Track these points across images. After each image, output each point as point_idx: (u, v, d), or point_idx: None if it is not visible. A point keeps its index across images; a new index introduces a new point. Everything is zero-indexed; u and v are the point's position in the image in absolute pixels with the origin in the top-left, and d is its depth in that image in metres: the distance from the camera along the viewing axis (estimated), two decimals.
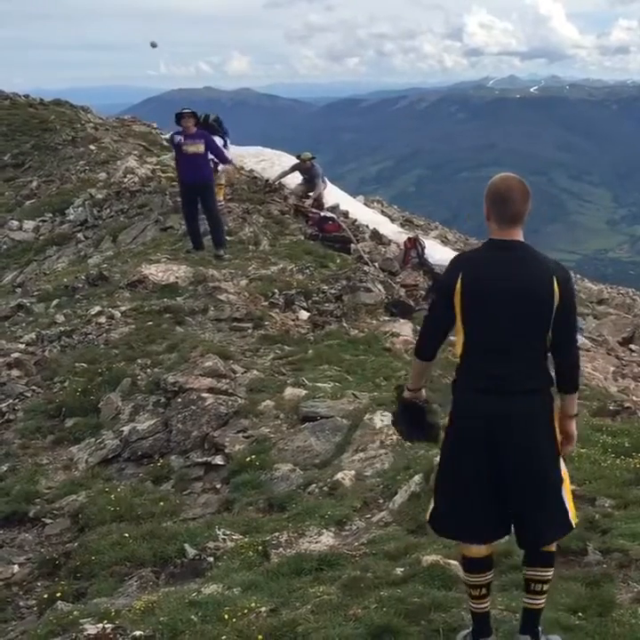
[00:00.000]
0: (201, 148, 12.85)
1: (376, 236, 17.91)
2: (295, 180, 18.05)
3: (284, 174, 18.13)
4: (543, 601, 3.55)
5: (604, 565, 4.44)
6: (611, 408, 8.20)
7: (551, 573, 3.56)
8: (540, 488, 3.44)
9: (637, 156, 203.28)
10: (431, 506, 3.66)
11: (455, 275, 3.45)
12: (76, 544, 6.30)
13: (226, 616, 4.22)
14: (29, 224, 18.65)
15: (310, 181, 17.30)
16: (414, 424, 3.88)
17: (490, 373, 3.41)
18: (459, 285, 3.42)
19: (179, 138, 12.98)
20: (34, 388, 9.37)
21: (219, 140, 14.35)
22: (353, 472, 6.58)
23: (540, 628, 3.57)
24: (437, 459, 3.69)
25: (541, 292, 3.38)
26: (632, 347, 15.90)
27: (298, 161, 17.57)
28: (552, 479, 3.47)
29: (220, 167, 13.35)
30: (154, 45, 5.54)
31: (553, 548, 3.57)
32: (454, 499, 3.52)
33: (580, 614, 3.89)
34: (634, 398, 10.43)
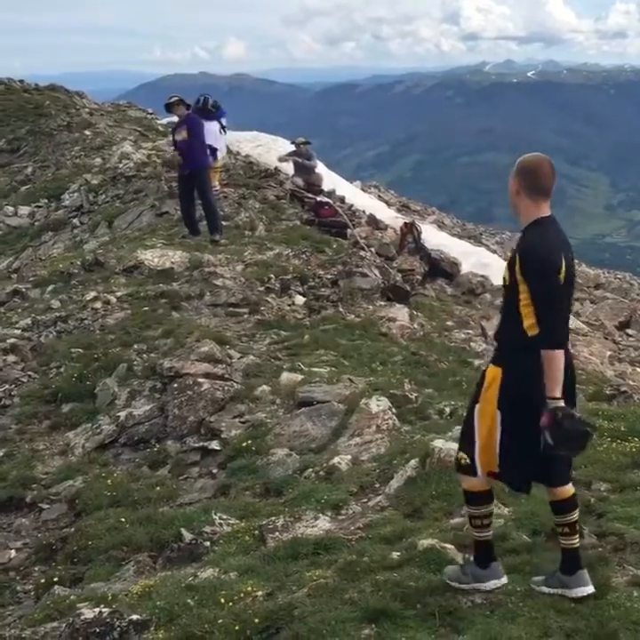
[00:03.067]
0: (184, 134, 12.88)
1: (372, 222, 17.88)
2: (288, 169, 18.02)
3: (285, 160, 18.04)
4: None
5: (600, 549, 4.44)
6: (607, 392, 8.20)
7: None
8: None
9: (635, 141, 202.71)
10: (497, 463, 3.85)
11: (560, 256, 3.75)
12: (72, 529, 6.32)
13: (222, 600, 4.23)
14: (25, 210, 18.60)
15: (308, 166, 17.22)
16: (573, 437, 3.67)
17: (564, 333, 3.78)
18: (563, 265, 3.73)
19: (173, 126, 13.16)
20: (30, 373, 9.36)
21: (215, 125, 14.28)
22: (349, 457, 6.58)
23: None
24: (483, 422, 3.85)
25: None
26: (629, 331, 15.92)
27: (294, 148, 17.52)
28: None
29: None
30: None
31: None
32: (524, 454, 3.78)
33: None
34: (630, 382, 10.41)
